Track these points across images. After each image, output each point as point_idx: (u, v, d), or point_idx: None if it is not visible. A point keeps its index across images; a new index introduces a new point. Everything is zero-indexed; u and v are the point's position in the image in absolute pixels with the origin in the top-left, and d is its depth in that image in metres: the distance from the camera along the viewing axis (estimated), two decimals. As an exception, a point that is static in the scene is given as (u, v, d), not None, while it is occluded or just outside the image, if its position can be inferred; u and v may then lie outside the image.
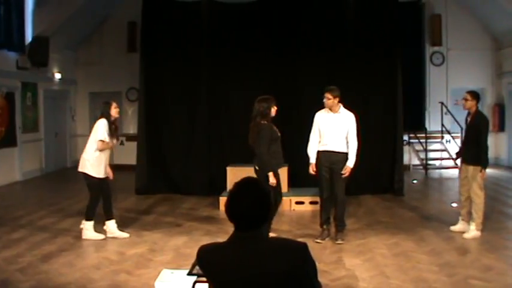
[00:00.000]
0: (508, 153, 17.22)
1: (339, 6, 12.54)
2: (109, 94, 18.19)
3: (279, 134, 8.12)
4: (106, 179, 8.62)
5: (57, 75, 16.85)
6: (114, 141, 8.67)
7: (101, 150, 8.37)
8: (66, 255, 7.57)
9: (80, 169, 8.50)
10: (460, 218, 8.79)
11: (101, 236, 8.53)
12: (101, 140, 8.31)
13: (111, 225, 8.67)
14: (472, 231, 8.36)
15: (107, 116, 8.45)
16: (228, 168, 11.39)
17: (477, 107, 8.52)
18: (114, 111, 8.52)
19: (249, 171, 10.64)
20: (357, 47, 12.27)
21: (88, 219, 8.51)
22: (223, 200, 10.81)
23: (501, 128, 17.37)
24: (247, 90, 12.34)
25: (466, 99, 8.49)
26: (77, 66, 18.33)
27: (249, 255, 2.79)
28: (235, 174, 11.26)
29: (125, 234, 8.66)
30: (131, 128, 17.87)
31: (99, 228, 8.61)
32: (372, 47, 12.28)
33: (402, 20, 13.23)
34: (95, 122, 8.63)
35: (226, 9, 12.71)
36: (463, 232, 8.50)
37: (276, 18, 12.59)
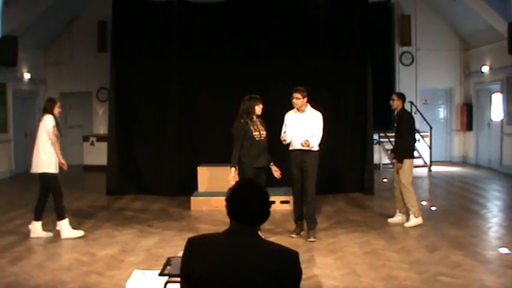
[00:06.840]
0: (475, 152, 17.46)
1: (309, 5, 12.58)
2: (79, 94, 18.11)
3: (263, 132, 8.13)
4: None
5: (27, 75, 16.62)
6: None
7: (53, 143, 8.47)
8: (37, 257, 7.50)
9: (39, 170, 8.52)
10: (397, 210, 9.51)
11: (80, 233, 8.56)
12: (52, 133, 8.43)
13: (37, 226, 8.61)
14: (412, 219, 9.13)
15: (51, 112, 8.57)
16: (199, 168, 11.38)
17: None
18: (56, 111, 8.64)
19: (219, 171, 10.71)
20: (327, 47, 12.34)
21: (62, 218, 8.49)
22: (194, 200, 10.81)
23: (469, 127, 17.61)
24: (217, 89, 12.38)
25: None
26: (46, 66, 18.12)
27: (244, 248, 2.81)
28: (205, 174, 11.27)
29: (49, 234, 8.61)
30: (101, 129, 17.74)
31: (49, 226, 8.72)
32: (342, 47, 12.37)
33: (372, 20, 13.35)
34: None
35: (196, 9, 12.69)
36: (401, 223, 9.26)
37: (246, 18, 12.57)
